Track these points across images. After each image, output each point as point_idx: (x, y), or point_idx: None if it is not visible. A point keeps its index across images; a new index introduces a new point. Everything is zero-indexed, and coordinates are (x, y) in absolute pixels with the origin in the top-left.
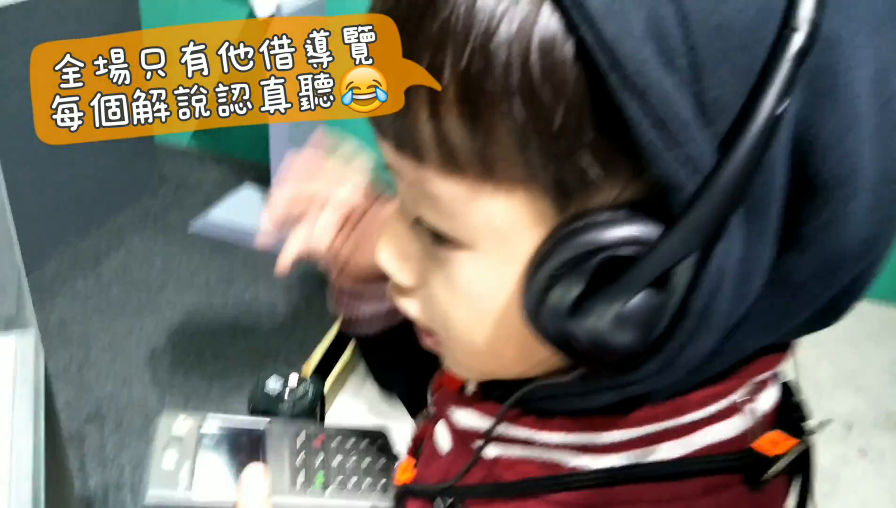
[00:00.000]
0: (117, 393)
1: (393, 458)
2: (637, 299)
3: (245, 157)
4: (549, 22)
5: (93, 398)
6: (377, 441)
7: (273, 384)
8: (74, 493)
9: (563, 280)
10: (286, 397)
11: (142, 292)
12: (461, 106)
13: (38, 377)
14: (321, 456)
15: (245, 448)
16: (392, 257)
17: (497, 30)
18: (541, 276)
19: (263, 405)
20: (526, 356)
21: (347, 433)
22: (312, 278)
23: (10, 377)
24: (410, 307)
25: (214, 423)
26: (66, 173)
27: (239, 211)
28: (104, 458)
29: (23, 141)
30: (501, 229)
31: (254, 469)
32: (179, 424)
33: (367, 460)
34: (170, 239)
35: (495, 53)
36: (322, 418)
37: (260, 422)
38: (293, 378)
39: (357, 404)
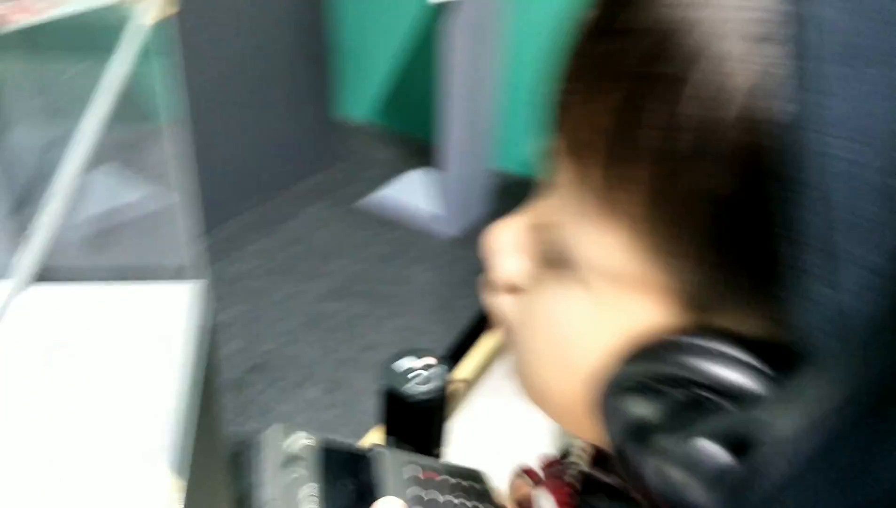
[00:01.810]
0: (280, 349)
1: (492, 504)
2: (711, 455)
3: (421, 138)
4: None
5: (257, 351)
6: (478, 484)
7: (405, 363)
8: (225, 437)
9: (644, 392)
10: (412, 378)
11: (310, 259)
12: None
13: (204, 325)
14: (430, 494)
15: (358, 475)
16: (508, 243)
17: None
18: (624, 373)
19: (390, 381)
20: (578, 421)
21: (451, 470)
22: (468, 265)
23: (178, 322)
24: (500, 304)
25: (324, 444)
26: (254, 142)
27: (409, 192)
28: (260, 408)
29: (216, 107)
30: (623, 286)
31: (388, 504)
32: (292, 442)
33: (472, 504)
34: (341, 212)
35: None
36: (443, 407)
37: (368, 448)
38: (424, 361)
39: (484, 403)
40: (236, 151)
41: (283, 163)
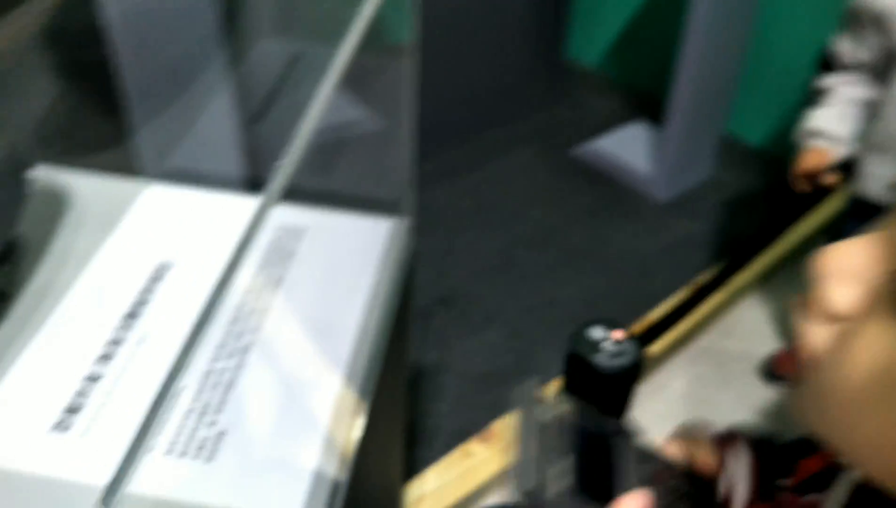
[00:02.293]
0: (467, 286)
1: None
2: None
3: (648, 91)
4: None
5: (446, 285)
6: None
7: (596, 332)
8: (409, 364)
9: None
10: (603, 348)
11: (512, 202)
12: None
13: (405, 261)
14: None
15: (607, 455)
16: (845, 269)
17: None
18: None
19: (579, 349)
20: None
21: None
22: (674, 233)
23: (381, 256)
24: (813, 331)
25: (578, 415)
26: (477, 75)
27: (625, 147)
28: (441, 340)
29: (445, 35)
30: None
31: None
32: (548, 406)
33: None
34: (552, 158)
35: None
36: (633, 382)
37: (615, 427)
38: (617, 334)
39: (667, 390)
40: (458, 81)
41: (501, 100)
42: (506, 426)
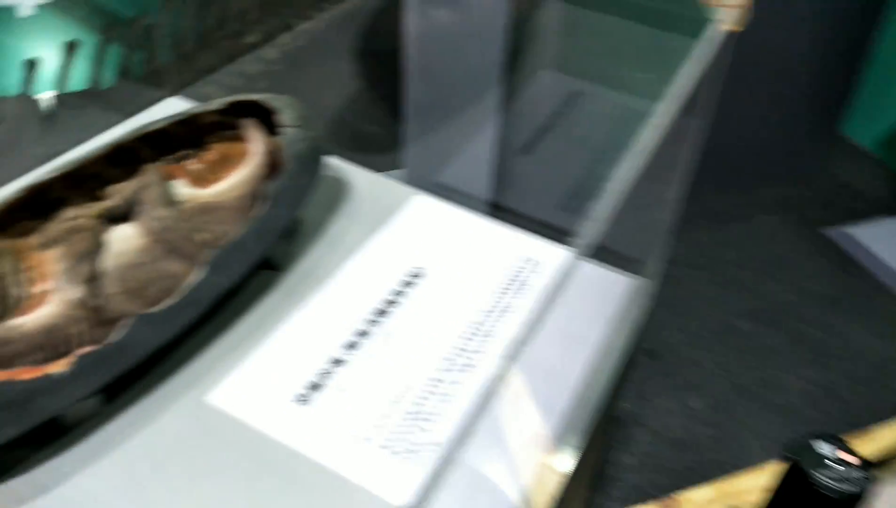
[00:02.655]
0: (680, 344)
1: None
2: None
3: None
4: None
5: (657, 337)
6: None
7: (823, 447)
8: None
9: None
10: (829, 467)
11: (748, 268)
12: None
13: (639, 326)
14: None
15: None
16: None
17: None
18: None
19: (801, 456)
20: None
21: None
22: None
23: (615, 313)
24: None
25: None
26: (742, 130)
27: (886, 239)
28: (639, 392)
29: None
30: None
31: None
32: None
33: None
34: (803, 233)
35: None
36: None
37: None
38: (847, 456)
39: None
40: (723, 132)
41: (761, 159)
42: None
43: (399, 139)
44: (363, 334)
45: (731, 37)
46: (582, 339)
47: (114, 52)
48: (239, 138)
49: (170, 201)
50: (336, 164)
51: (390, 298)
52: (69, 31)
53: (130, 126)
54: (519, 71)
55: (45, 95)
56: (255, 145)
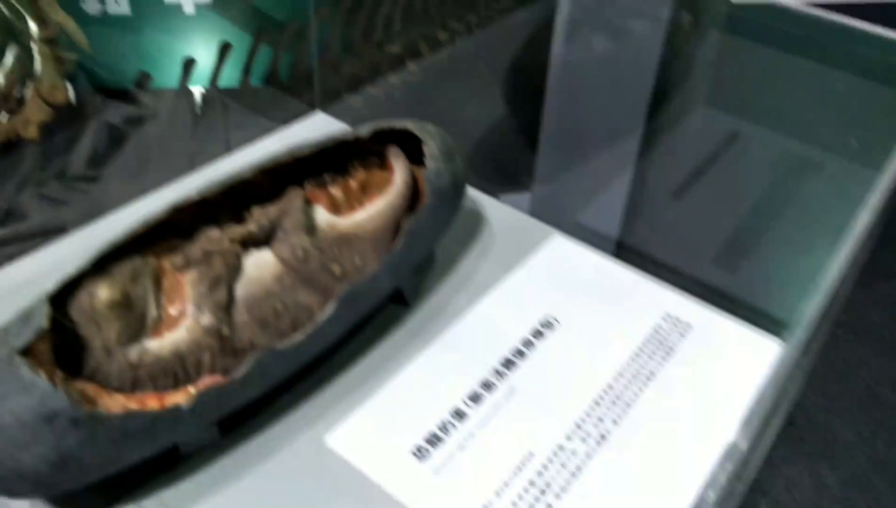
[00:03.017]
0: (817, 408)
1: None
2: None
3: None
4: None
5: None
6: None
7: None
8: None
9: None
10: None
11: None
12: None
13: (788, 393)
14: None
15: None
16: None
17: None
18: None
19: None
20: None
21: None
22: None
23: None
24: None
25: None
26: None
27: None
28: (770, 458)
29: None
30: None
31: None
32: None
33: None
34: None
35: None
36: None
37: None
38: None
39: None
40: None
41: None
42: None
43: (537, 172)
44: (487, 385)
45: None
46: (730, 406)
47: (264, 55)
48: (382, 166)
49: (310, 229)
50: (474, 195)
51: (519, 347)
52: (224, 31)
53: (276, 140)
54: (670, 106)
55: (198, 91)
56: (399, 175)
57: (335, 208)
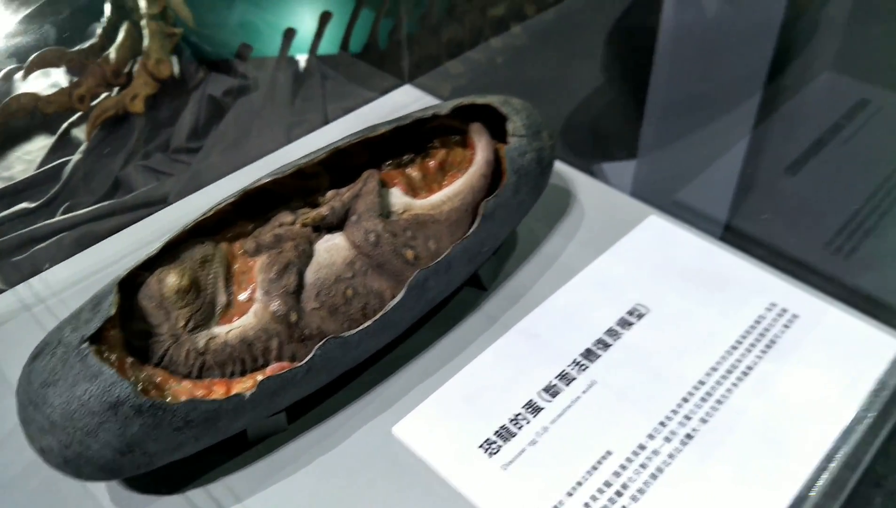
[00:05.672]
0: None
1: None
2: None
3: None
4: None
5: None
6: None
7: None
8: None
9: None
10: None
11: None
12: None
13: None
14: None
15: None
16: None
17: None
18: None
19: None
20: None
21: None
22: None
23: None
24: None
25: None
26: None
27: None
28: None
29: None
30: None
31: None
32: None
33: None
34: None
35: None
36: None
37: None
38: None
39: None
40: None
41: None
42: None
43: (638, 145)
44: (566, 377)
45: None
46: (836, 409)
47: (365, 21)
48: (463, 144)
49: (384, 213)
50: (563, 170)
51: (603, 337)
52: (326, 1)
53: (369, 111)
54: (791, 73)
55: (302, 60)
56: (480, 153)
57: (413, 189)
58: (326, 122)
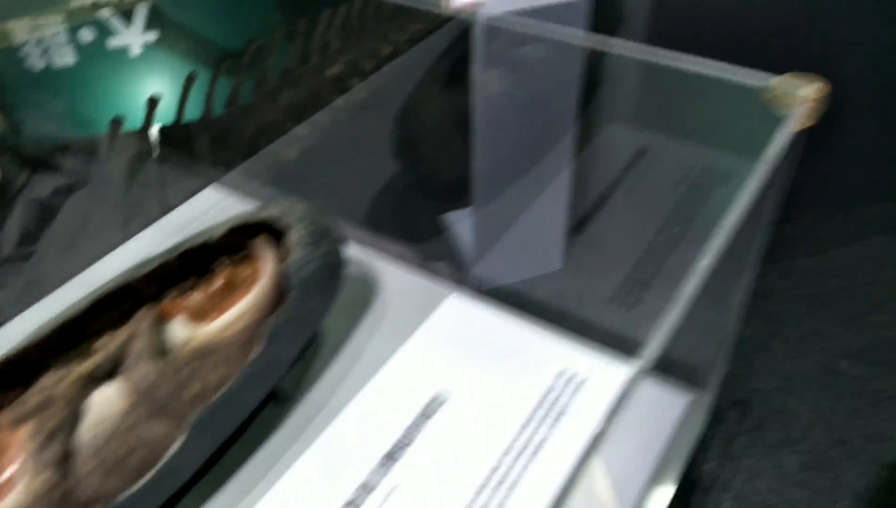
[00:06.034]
0: (772, 393)
1: None
2: None
3: None
4: None
5: (749, 385)
6: None
7: None
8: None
9: None
10: None
11: (855, 299)
12: None
13: (693, 445)
14: None
15: None
16: None
17: None
18: None
19: None
20: None
21: None
22: None
23: (669, 433)
24: None
25: None
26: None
27: None
28: (724, 449)
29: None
30: None
31: None
32: None
33: None
34: None
35: None
36: None
37: None
38: None
39: None
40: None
41: (868, 172)
42: None
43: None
44: (366, 487)
45: (801, 134)
46: (638, 460)
47: (225, 83)
48: (248, 258)
49: (159, 352)
50: (364, 262)
51: (402, 437)
52: (174, 67)
53: (167, 223)
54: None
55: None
56: (265, 265)
57: (199, 315)
58: (164, 212)
